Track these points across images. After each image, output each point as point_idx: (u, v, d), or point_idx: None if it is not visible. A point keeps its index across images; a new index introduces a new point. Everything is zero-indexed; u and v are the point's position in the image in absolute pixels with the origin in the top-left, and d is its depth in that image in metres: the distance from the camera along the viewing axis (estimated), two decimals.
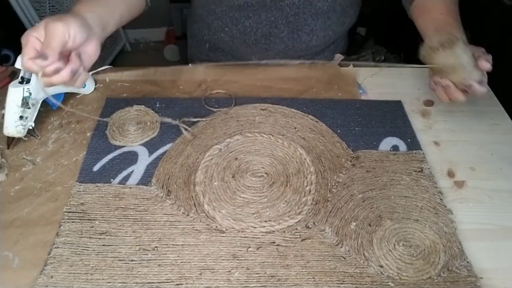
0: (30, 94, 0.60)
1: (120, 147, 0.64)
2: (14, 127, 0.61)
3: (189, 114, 0.69)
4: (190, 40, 0.92)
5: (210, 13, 0.77)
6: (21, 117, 0.61)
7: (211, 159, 0.63)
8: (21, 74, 0.61)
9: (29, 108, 0.61)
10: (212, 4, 0.74)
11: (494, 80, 0.80)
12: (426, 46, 0.57)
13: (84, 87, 0.72)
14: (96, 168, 0.61)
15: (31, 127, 0.63)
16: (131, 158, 0.63)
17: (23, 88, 0.60)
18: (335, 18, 0.74)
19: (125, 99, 0.73)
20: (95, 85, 0.75)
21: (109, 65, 0.84)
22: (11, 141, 0.63)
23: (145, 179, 0.60)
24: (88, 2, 0.56)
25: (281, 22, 0.71)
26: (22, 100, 0.60)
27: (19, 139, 0.64)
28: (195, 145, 0.65)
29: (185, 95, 0.75)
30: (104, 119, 0.68)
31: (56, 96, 0.68)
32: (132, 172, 0.61)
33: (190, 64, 0.94)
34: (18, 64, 0.59)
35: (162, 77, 0.77)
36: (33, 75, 0.61)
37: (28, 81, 0.60)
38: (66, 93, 0.70)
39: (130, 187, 0.58)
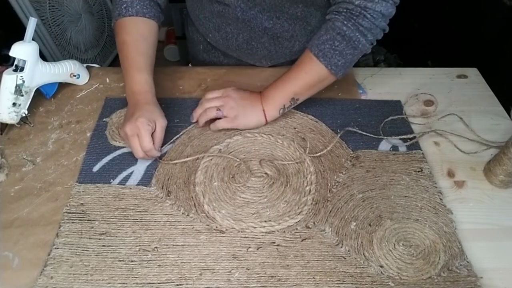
0: (24, 82, 0.62)
1: (120, 147, 0.64)
2: (7, 114, 0.62)
3: (189, 114, 0.69)
4: (188, 41, 0.93)
5: (196, 18, 0.77)
6: (14, 104, 0.62)
7: (211, 159, 0.63)
8: (15, 62, 0.62)
9: (22, 95, 0.62)
10: (197, 10, 0.75)
11: (494, 80, 0.81)
12: None
13: (78, 77, 0.72)
14: (96, 168, 0.61)
15: (24, 115, 0.64)
16: (131, 158, 0.62)
17: (17, 76, 0.61)
18: (316, 23, 0.72)
19: (125, 99, 0.73)
20: (89, 76, 0.75)
21: (109, 65, 0.84)
22: (4, 127, 0.65)
23: (145, 180, 0.60)
24: (148, 69, 0.65)
25: (258, 29, 0.71)
26: (16, 87, 0.61)
27: (12, 126, 0.65)
28: (195, 145, 0.65)
29: (185, 95, 0.75)
30: (104, 119, 0.68)
31: (49, 85, 0.68)
32: (132, 172, 0.61)
33: (190, 64, 0.94)
34: (12, 52, 0.60)
35: (162, 77, 0.77)
36: (26, 63, 0.62)
37: (22, 69, 0.61)
38: (59, 83, 0.71)
39: (130, 188, 0.58)
